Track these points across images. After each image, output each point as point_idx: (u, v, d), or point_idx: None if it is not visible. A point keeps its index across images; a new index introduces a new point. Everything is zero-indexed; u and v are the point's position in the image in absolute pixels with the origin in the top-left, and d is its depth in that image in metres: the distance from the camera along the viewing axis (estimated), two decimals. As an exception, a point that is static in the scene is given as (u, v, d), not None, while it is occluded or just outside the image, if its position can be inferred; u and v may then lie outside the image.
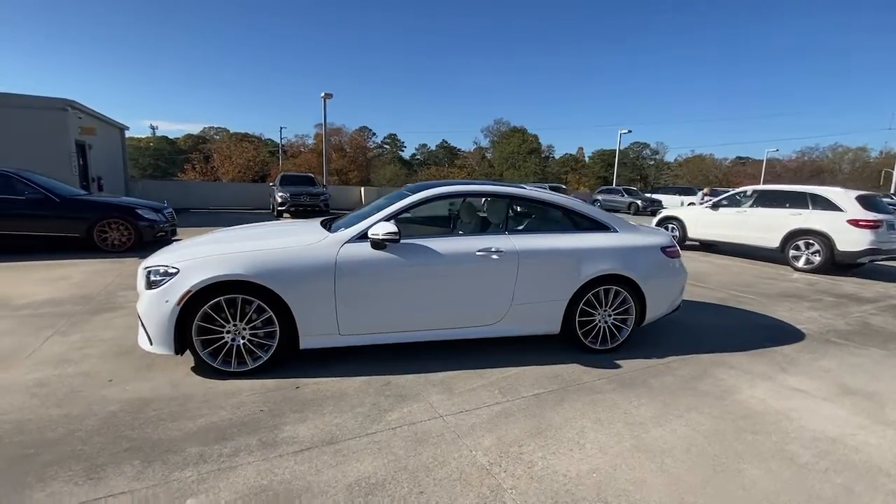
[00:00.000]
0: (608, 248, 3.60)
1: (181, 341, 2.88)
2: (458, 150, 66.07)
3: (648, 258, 3.73)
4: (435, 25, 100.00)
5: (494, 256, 3.33)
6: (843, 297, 6.18)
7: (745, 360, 3.67)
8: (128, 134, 18.29)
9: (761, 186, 9.69)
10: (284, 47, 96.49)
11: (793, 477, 2.20)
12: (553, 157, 66.51)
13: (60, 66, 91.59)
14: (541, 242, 3.50)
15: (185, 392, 2.78)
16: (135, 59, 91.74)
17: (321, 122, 21.04)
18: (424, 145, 70.60)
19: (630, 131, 30.95)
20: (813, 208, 8.10)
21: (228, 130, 56.53)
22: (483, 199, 4.23)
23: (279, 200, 14.53)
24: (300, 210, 14.63)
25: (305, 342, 3.07)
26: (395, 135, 67.09)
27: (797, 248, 8.16)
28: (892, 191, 28.73)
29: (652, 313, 3.75)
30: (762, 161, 44.95)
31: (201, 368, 3.02)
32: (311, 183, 16.52)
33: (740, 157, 62.92)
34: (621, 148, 32.51)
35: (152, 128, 61.01)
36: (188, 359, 3.06)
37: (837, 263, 7.78)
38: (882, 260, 8.05)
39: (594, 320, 3.63)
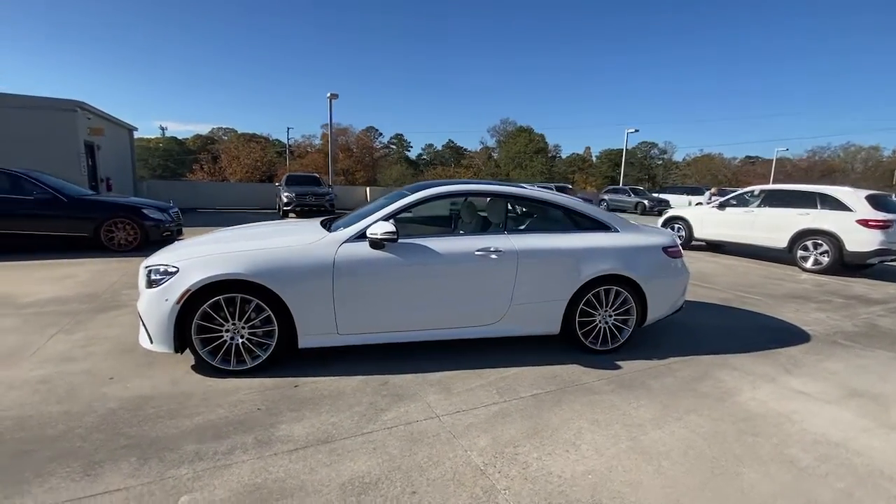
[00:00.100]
0: (608, 247, 3.58)
1: (181, 340, 2.91)
2: (465, 150, 66.03)
3: (650, 258, 3.69)
4: (434, 26, 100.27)
5: (493, 256, 3.32)
6: (852, 299, 6.08)
7: (748, 362, 3.63)
8: (137, 135, 18.55)
9: (769, 186, 9.56)
10: (285, 47, 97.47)
11: (792, 481, 2.17)
12: (560, 156, 66.29)
13: (60, 66, 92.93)
14: (540, 242, 3.49)
15: (185, 390, 2.80)
16: (137, 59, 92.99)
17: (328, 123, 21.04)
18: (431, 145, 70.72)
19: (637, 130, 30.76)
20: (822, 208, 7.98)
21: (237, 131, 56.91)
22: (487, 199, 4.22)
23: (284, 200, 14.70)
24: (305, 210, 14.72)
25: (304, 341, 3.08)
26: (401, 135, 67.25)
27: (805, 248, 8.04)
28: (905, 190, 28.27)
29: (653, 314, 3.72)
30: (772, 160, 44.42)
31: (201, 367, 3.05)
32: (317, 183, 16.66)
33: (749, 157, 62.24)
34: (629, 147, 32.32)
35: (162, 128, 61.63)
36: (189, 357, 3.08)
37: (846, 264, 7.66)
38: (892, 260, 7.91)
39: (594, 321, 3.60)
